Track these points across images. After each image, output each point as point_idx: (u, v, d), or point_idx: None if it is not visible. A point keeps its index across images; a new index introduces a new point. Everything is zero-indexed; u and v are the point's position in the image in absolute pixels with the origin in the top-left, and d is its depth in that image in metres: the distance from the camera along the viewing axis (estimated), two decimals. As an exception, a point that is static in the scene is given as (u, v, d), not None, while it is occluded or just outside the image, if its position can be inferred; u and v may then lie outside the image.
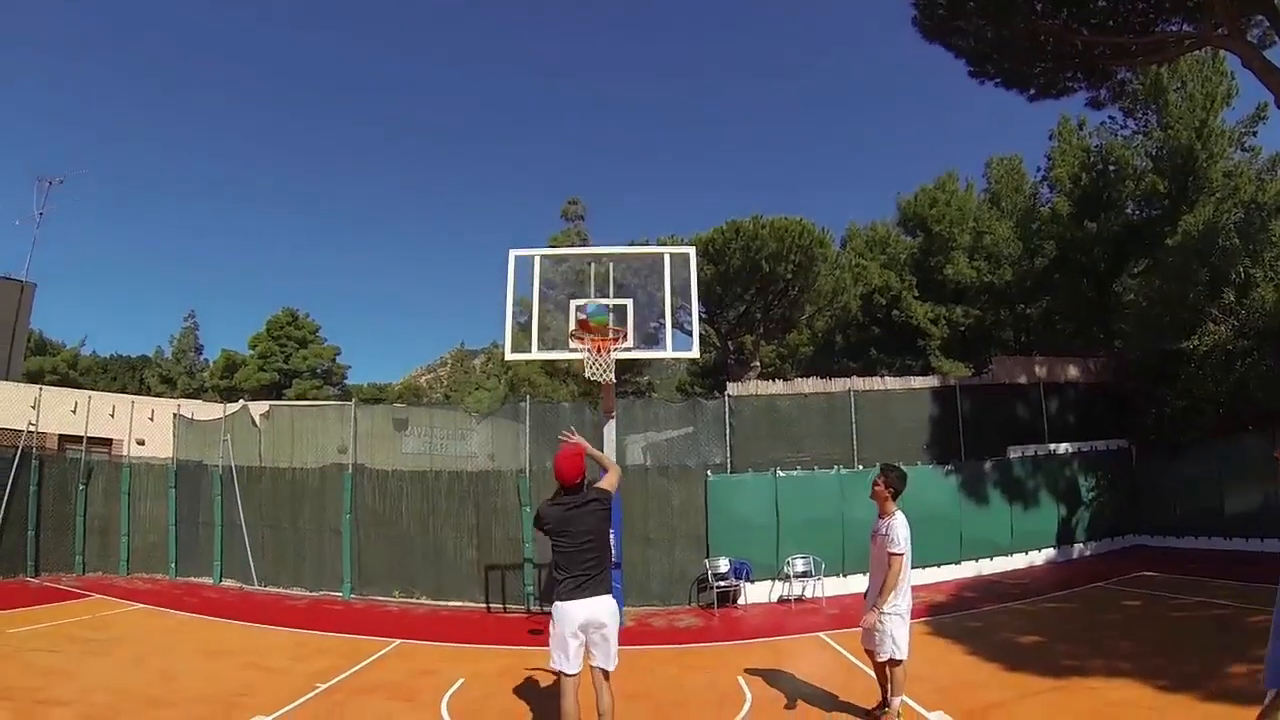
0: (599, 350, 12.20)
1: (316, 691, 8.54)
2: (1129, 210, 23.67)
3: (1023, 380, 19.68)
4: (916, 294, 30.70)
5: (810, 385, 18.78)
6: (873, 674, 7.14)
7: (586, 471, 6.15)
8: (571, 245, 37.69)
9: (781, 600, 14.64)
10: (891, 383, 19.30)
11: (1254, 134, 22.85)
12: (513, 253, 12.96)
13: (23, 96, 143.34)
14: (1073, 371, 20.41)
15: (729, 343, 33.40)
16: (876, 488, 6.85)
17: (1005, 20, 15.18)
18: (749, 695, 8.13)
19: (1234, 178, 20.90)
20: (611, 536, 5.75)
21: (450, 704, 8.16)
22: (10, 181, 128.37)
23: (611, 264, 13.31)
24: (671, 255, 13.30)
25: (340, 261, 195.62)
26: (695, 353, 13.56)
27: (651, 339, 13.30)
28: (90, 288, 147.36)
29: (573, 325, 12.61)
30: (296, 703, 8.06)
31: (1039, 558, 16.83)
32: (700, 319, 33.23)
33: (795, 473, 15.51)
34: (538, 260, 13.06)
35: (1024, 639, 9.96)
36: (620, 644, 11.41)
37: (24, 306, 33.31)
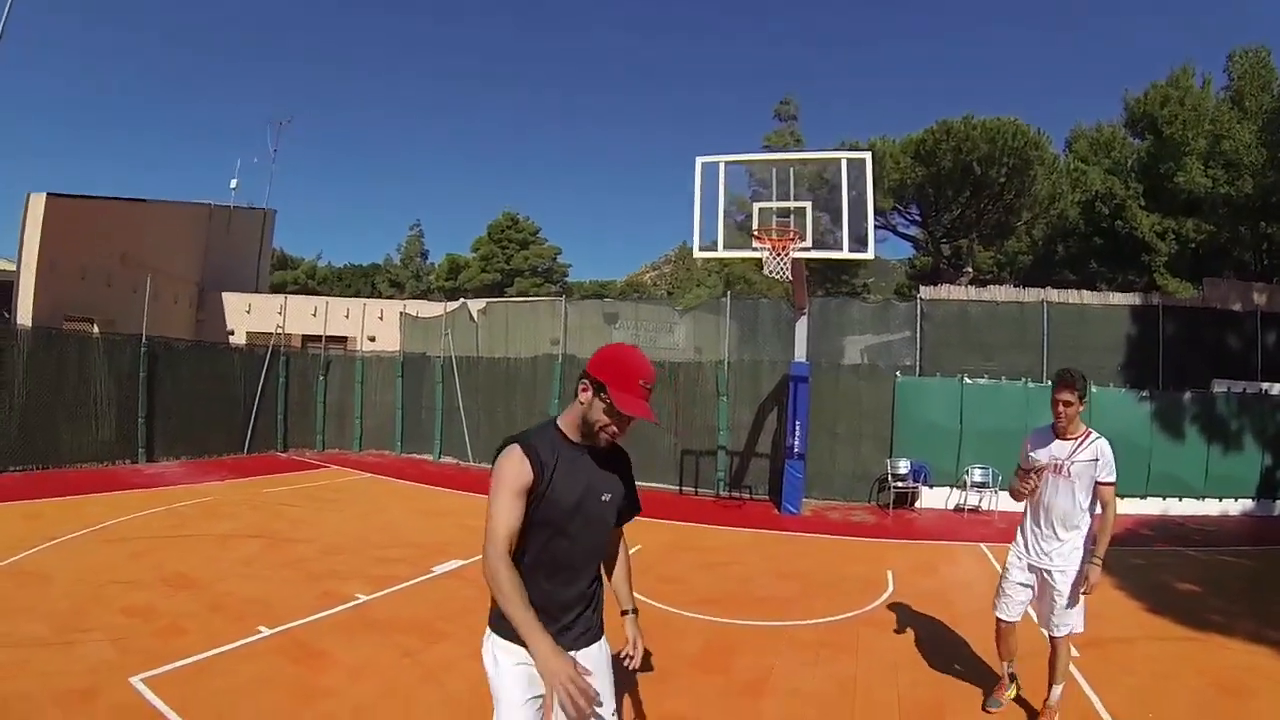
0: (777, 250, 12.74)
1: None
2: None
3: (1237, 307, 17.97)
4: (1142, 203, 28.28)
5: (1003, 293, 18.37)
6: (1007, 664, 5.36)
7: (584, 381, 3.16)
8: (785, 145, 37.63)
9: (957, 509, 14.86)
10: (1088, 297, 18.34)
11: None
12: (699, 160, 13.48)
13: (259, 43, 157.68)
14: (1301, 303, 18.30)
15: (943, 247, 32.62)
16: (1066, 403, 4.74)
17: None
18: (890, 588, 8.72)
19: None
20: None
21: None
22: (248, 124, 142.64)
23: (791, 169, 13.69)
24: (848, 160, 13.41)
25: (563, 167, 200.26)
26: (870, 254, 13.65)
27: (828, 240, 13.61)
28: (324, 207, 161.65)
29: (755, 226, 13.29)
30: None
31: (1234, 507, 15.28)
32: (913, 221, 33.04)
33: (982, 381, 15.42)
34: (722, 166, 13.49)
35: (1181, 585, 9.42)
36: (792, 531, 12.10)
37: (266, 230, 38.04)
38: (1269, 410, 15.56)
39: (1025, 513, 5.12)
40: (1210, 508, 15.19)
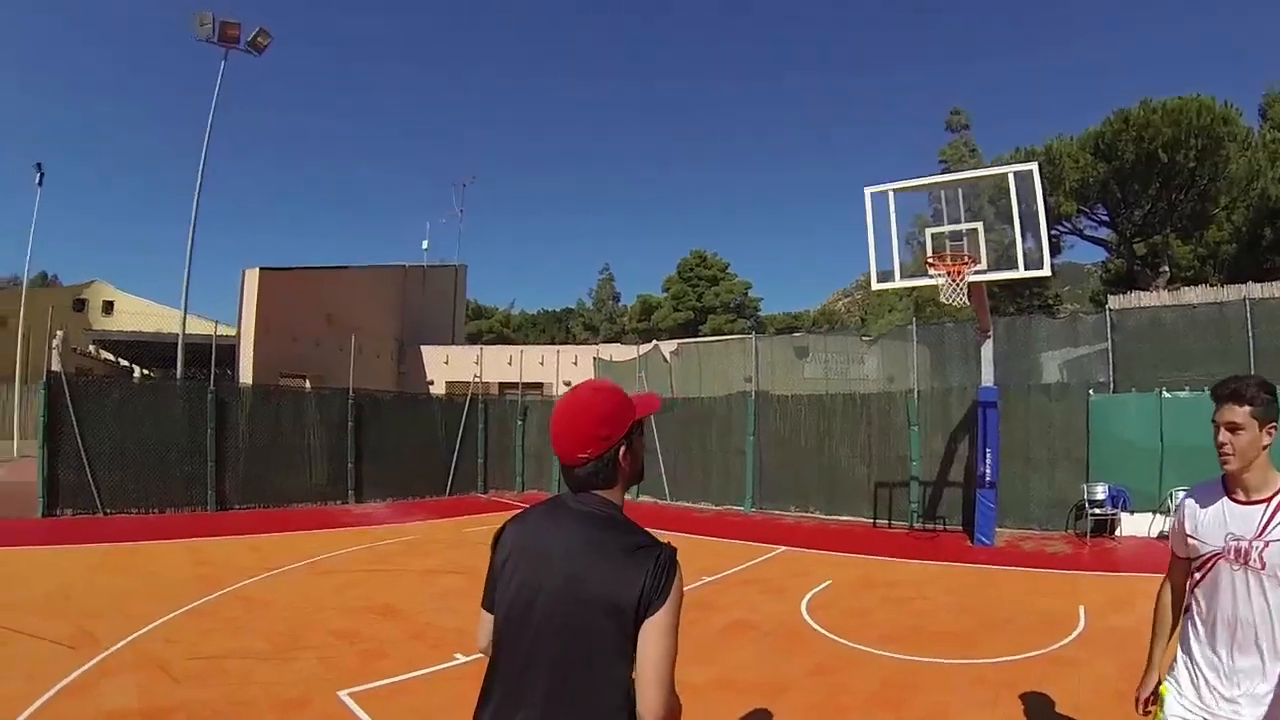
0: (953, 275, 12.90)
1: (702, 582, 10.66)
2: None
3: None
4: None
5: (1199, 294, 17.42)
6: None
7: (621, 442, 2.12)
8: (960, 156, 36.86)
9: (1160, 536, 13.75)
10: None
11: None
12: (867, 190, 13.87)
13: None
14: None
15: (1136, 246, 30.76)
16: (1233, 427, 2.79)
17: None
18: (1082, 624, 8.50)
19: None
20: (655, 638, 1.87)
21: (810, 600, 9.69)
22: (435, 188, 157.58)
23: (960, 189, 13.77)
24: (1015, 173, 13.24)
25: (748, 201, 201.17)
26: (1047, 270, 13.28)
27: (1004, 260, 13.49)
28: (515, 256, 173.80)
29: (929, 253, 13.47)
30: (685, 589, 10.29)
31: None
32: (1101, 222, 31.56)
33: (1182, 394, 14.52)
34: (891, 194, 13.78)
35: None
36: (982, 563, 12.21)
37: (460, 284, 41.34)
38: None
39: (1187, 626, 3.05)
40: None
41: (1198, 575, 2.96)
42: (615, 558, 1.95)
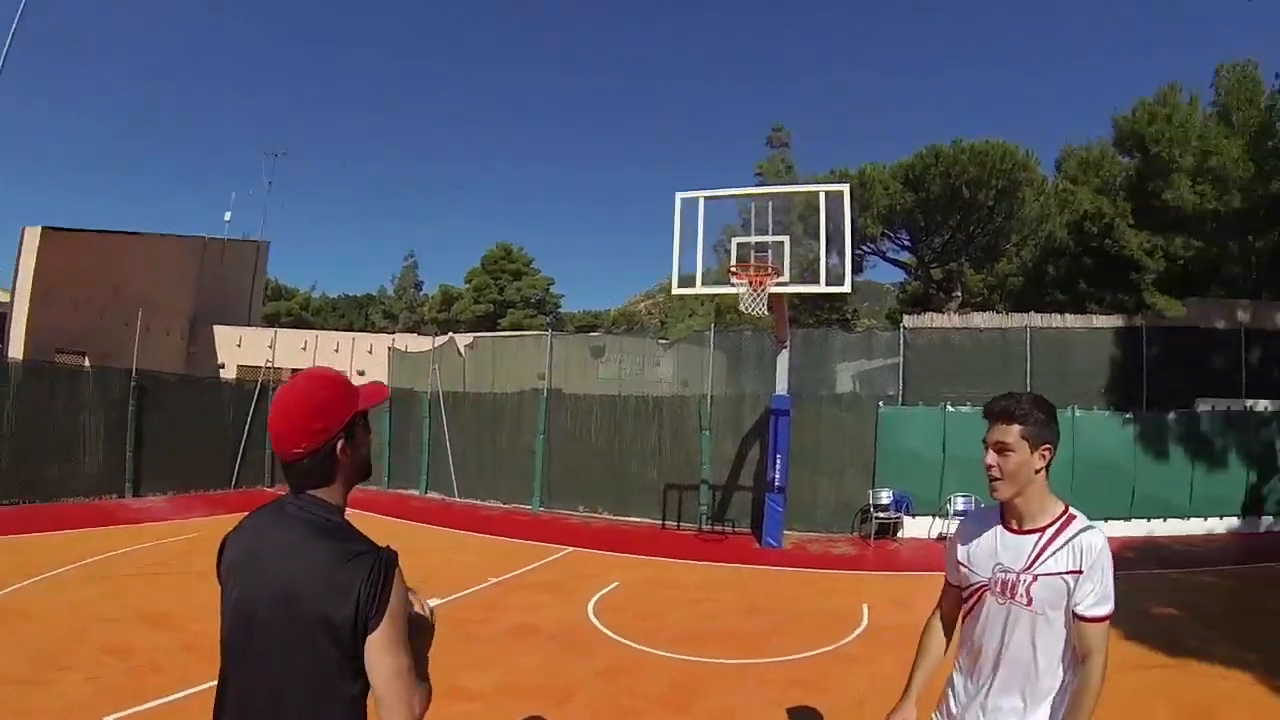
0: (755, 285, 12.79)
1: (488, 583, 10.22)
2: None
3: (1220, 325, 18.24)
4: (1131, 222, 27.97)
5: (984, 320, 18.56)
6: None
7: (339, 435, 1.89)
8: (776, 171, 37.90)
9: (940, 538, 14.57)
10: (1071, 320, 18.60)
11: None
12: (679, 195, 13.61)
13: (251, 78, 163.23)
14: (1283, 319, 18.39)
15: (933, 271, 32.66)
16: (1003, 449, 2.47)
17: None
18: (865, 622, 8.72)
19: None
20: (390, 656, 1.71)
21: (597, 603, 9.36)
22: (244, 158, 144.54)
23: (771, 203, 13.83)
24: (827, 193, 13.49)
25: (558, 198, 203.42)
26: (848, 288, 13.71)
27: (808, 274, 13.71)
28: (320, 238, 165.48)
29: (733, 262, 13.34)
30: (469, 590, 9.73)
31: (1220, 525, 15.23)
32: (903, 246, 33.15)
33: (965, 409, 15.35)
34: (702, 201, 13.60)
35: (1159, 610, 9.22)
36: (771, 565, 12.17)
37: (260, 263, 38.38)
38: (1254, 427, 15.60)
39: (957, 658, 2.79)
40: (1195, 527, 15.17)
41: (967, 605, 2.67)
42: (329, 569, 1.74)
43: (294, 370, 14.81)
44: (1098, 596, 2.37)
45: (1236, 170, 24.17)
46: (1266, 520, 15.35)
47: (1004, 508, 2.56)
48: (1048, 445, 2.45)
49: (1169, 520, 15.09)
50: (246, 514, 2.00)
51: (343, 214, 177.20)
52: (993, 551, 2.54)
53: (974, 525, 2.70)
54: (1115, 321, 18.78)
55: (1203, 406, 16.21)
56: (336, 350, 28.33)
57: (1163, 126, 26.94)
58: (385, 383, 2.60)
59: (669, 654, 7.37)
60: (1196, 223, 25.83)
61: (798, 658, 7.37)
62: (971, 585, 2.62)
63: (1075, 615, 2.38)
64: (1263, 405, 16.07)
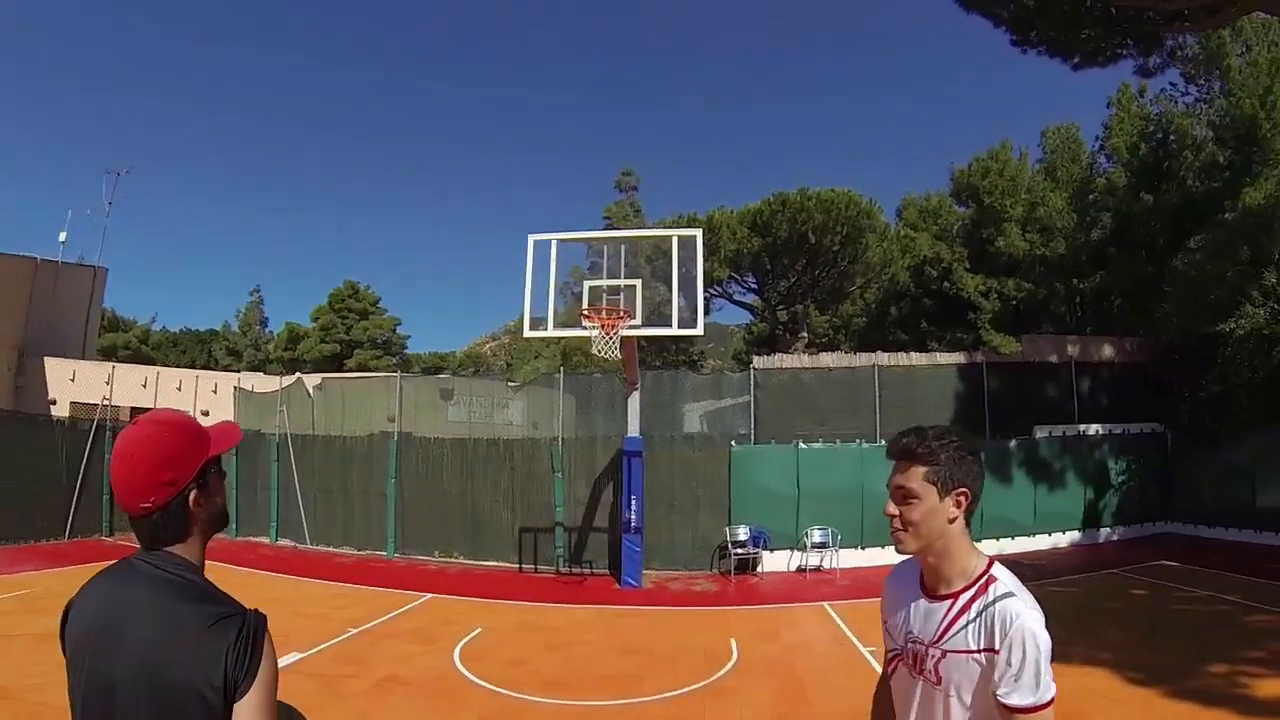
0: (607, 328, 12.80)
1: (348, 635, 9.71)
2: (1189, 182, 22.34)
3: (1053, 359, 19.40)
4: (968, 266, 30.12)
5: (833, 359, 19.19)
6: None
7: (191, 486, 1.71)
8: (624, 215, 38.40)
9: (799, 570, 15.04)
10: (916, 358, 19.39)
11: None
12: (531, 237, 13.55)
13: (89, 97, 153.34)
14: (1107, 351, 20.02)
15: (779, 313, 33.63)
16: (907, 496, 1.97)
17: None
18: (735, 656, 8.72)
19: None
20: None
21: (463, 650, 9.06)
22: (81, 176, 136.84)
23: (623, 246, 13.89)
24: (679, 237, 13.80)
25: (405, 236, 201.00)
26: (699, 330, 13.92)
27: (659, 317, 13.86)
28: (160, 268, 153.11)
29: (585, 305, 13.33)
30: (329, 643, 9.22)
31: (1063, 540, 16.60)
32: (750, 289, 34.06)
33: (817, 445, 15.79)
34: (554, 244, 13.59)
35: None
36: (634, 605, 12.15)
37: (97, 290, 35.39)
38: (1087, 449, 17.14)
39: None
40: (1040, 542, 16.33)
41: (889, 668, 2.21)
42: (193, 634, 1.56)
43: (134, 409, 13.68)
44: (1021, 681, 1.81)
45: (1061, 220, 26.22)
46: (1104, 532, 16.90)
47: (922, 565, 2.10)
48: (963, 490, 1.97)
49: (1016, 538, 16.02)
50: (92, 577, 1.74)
51: (186, 241, 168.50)
52: (906, 618, 2.09)
53: (895, 584, 2.22)
54: (957, 358, 19.71)
55: (1040, 433, 17.37)
56: (179, 388, 26.30)
57: (995, 180, 29.38)
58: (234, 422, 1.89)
59: (544, 699, 7.24)
60: (1027, 267, 27.88)
61: (674, 694, 7.37)
62: (890, 650, 2.19)
63: (1000, 703, 1.82)
64: (1094, 429, 17.61)
